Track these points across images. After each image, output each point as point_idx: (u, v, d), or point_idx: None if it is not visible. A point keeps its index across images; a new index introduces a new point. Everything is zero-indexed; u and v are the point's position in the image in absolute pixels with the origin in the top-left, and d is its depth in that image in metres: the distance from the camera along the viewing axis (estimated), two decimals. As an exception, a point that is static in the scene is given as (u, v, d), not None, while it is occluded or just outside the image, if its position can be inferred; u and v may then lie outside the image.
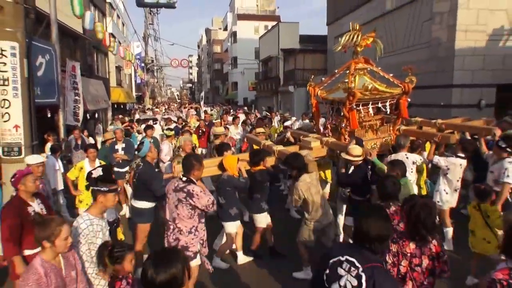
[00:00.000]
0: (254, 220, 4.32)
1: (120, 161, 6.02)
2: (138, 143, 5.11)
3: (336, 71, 5.45)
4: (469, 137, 4.83)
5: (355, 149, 3.99)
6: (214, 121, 10.71)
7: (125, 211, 5.94)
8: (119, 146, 6.18)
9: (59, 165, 5.72)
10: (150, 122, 10.56)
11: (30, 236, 2.75)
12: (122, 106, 22.74)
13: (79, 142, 7.58)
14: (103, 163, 5.02)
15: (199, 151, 8.23)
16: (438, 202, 4.39)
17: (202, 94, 21.83)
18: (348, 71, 5.02)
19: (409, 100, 5.02)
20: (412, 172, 4.33)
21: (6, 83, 3.91)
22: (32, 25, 4.44)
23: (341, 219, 4.69)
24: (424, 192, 4.70)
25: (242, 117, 12.08)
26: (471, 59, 9.25)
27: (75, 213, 5.06)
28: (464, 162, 4.30)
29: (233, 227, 4.09)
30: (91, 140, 9.04)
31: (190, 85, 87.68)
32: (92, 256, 2.40)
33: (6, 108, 3.92)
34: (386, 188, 2.84)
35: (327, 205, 3.87)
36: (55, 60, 7.42)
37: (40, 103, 6.30)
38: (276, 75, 24.67)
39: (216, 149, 5.01)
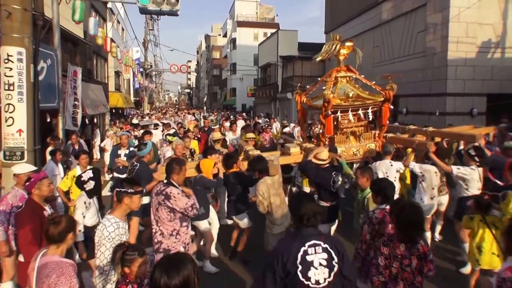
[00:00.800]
0: (236, 222, 4.40)
1: (121, 167, 5.91)
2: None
3: (319, 79, 5.61)
4: (446, 145, 4.93)
5: (322, 153, 4.17)
6: (212, 127, 10.81)
7: None
8: (123, 151, 6.12)
9: (58, 170, 5.52)
10: (152, 128, 10.69)
11: (25, 247, 2.83)
12: (120, 111, 22.79)
13: (76, 147, 7.59)
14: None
15: (198, 156, 8.32)
16: None
17: (205, 99, 21.96)
18: (328, 79, 5.20)
19: (391, 107, 5.13)
20: (395, 180, 4.30)
21: (11, 88, 3.97)
22: (38, 31, 4.53)
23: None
24: None
25: (241, 123, 12.21)
26: (462, 69, 9.64)
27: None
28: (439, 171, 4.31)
29: (204, 224, 4.20)
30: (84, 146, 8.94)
31: (188, 90, 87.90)
32: None
33: (11, 112, 3.97)
34: (386, 190, 2.84)
35: (287, 208, 3.94)
36: (56, 65, 7.52)
37: (40, 107, 6.36)
38: (274, 82, 24.90)
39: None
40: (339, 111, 4.90)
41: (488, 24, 9.65)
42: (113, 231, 2.34)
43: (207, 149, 5.13)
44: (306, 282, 1.90)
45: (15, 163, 3.95)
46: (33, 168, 3.49)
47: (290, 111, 21.73)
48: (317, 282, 1.92)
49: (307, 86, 5.73)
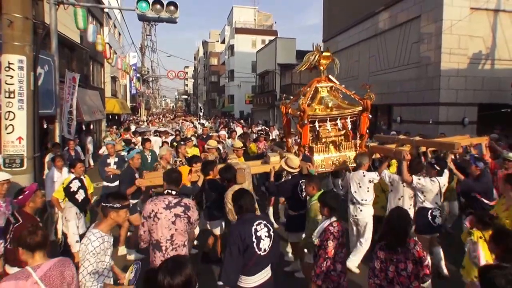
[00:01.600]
0: (210, 227, 4.47)
1: (111, 176, 5.88)
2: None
3: (301, 89, 5.70)
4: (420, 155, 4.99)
5: (292, 161, 4.27)
6: (210, 134, 10.85)
7: None
8: (112, 160, 6.07)
9: (62, 176, 5.32)
10: (151, 134, 10.67)
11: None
12: (116, 117, 22.75)
13: (73, 153, 7.56)
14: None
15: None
16: None
17: (201, 106, 22.02)
18: (308, 89, 5.28)
19: (370, 116, 5.20)
20: (368, 191, 4.30)
21: (12, 95, 3.99)
22: (38, 38, 4.57)
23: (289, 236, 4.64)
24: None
25: (239, 130, 12.30)
26: (455, 80, 9.90)
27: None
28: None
29: None
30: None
31: (186, 96, 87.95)
32: (99, 274, 2.30)
33: (11, 120, 3.98)
34: (330, 202, 2.94)
35: None
36: (53, 70, 7.54)
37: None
38: (272, 89, 25.07)
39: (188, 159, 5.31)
40: (316, 121, 4.98)
41: (479, 37, 9.97)
42: (97, 246, 2.28)
43: (192, 157, 5.23)
44: (258, 252, 2.53)
45: (15, 170, 3.97)
46: (8, 176, 3.46)
47: (287, 118, 21.86)
48: (264, 250, 2.57)
49: (283, 97, 5.83)
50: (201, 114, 20.11)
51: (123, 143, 8.40)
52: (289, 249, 4.65)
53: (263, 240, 2.56)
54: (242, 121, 24.20)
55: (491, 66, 10.17)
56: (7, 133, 4.00)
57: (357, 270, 4.31)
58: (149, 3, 8.12)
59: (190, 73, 72.79)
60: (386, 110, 12.95)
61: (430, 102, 10.20)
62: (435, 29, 9.92)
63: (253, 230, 2.55)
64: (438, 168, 4.13)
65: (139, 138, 9.84)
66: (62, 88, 8.66)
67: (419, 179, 4.06)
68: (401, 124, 11.46)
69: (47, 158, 6.44)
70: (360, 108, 5.07)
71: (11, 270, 2.88)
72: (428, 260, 2.46)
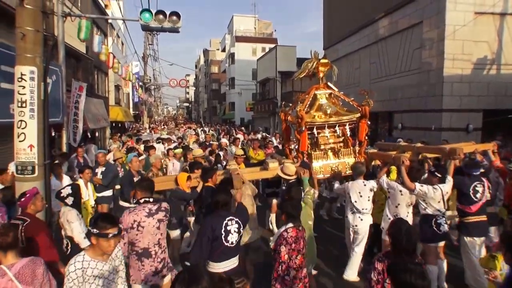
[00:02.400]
0: None
1: (97, 185, 5.88)
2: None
3: (300, 96, 5.76)
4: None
5: (289, 168, 4.30)
6: (211, 142, 10.91)
7: None
8: (99, 169, 6.10)
9: (56, 184, 5.38)
10: (154, 142, 10.77)
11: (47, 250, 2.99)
12: (120, 125, 22.92)
13: (81, 160, 7.66)
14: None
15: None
16: (383, 228, 4.21)
17: (202, 114, 22.09)
18: (307, 96, 5.35)
19: (368, 123, 5.20)
20: (369, 200, 4.27)
21: (24, 105, 4.08)
22: (48, 50, 4.68)
23: None
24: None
25: (240, 137, 12.39)
26: (458, 86, 9.81)
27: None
28: (408, 192, 4.14)
29: (175, 233, 4.55)
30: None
31: (187, 104, 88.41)
32: None
33: (23, 128, 4.06)
34: (287, 209, 3.09)
35: (253, 223, 4.05)
36: (61, 80, 7.69)
37: (47, 122, 6.47)
38: (273, 96, 25.22)
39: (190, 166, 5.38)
40: (315, 128, 5.01)
41: (484, 42, 9.85)
42: (73, 271, 2.18)
43: (193, 163, 5.38)
44: (225, 243, 2.92)
45: (27, 177, 4.07)
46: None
47: (288, 125, 21.95)
48: (232, 243, 2.95)
49: (282, 105, 5.90)
50: (203, 122, 20.20)
51: (124, 151, 8.50)
52: None
53: (232, 234, 2.95)
54: (243, 128, 24.32)
55: (497, 71, 10.03)
56: (20, 141, 4.08)
57: (357, 279, 4.29)
58: (152, 13, 8.29)
59: (192, 81, 73.26)
60: (387, 117, 12.99)
61: (432, 109, 10.17)
62: (438, 34, 9.91)
63: (223, 224, 2.93)
64: (439, 175, 4.08)
65: (142, 146, 9.95)
66: (69, 97, 8.79)
67: (422, 186, 4.01)
68: (403, 130, 11.44)
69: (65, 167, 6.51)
70: (358, 114, 5.10)
71: None
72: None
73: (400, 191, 4.10)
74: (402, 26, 11.66)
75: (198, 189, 4.42)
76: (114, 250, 2.35)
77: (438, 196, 3.98)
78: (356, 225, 4.31)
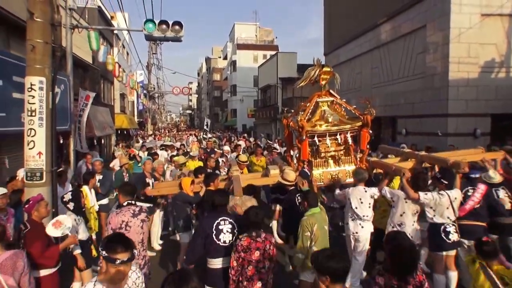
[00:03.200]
0: None
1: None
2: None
3: (302, 103, 5.75)
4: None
5: (288, 174, 4.35)
6: (214, 148, 10.94)
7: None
8: (96, 177, 6.01)
9: (58, 191, 5.53)
10: (158, 149, 10.84)
11: (51, 255, 3.12)
12: (125, 132, 23.13)
13: (90, 167, 7.71)
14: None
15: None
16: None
17: (208, 121, 22.13)
18: (308, 104, 5.35)
19: (370, 132, 5.15)
20: (370, 206, 4.21)
21: (33, 114, 4.18)
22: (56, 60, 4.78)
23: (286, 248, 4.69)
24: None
25: (243, 143, 12.44)
26: (465, 90, 9.52)
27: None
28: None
29: (184, 237, 4.68)
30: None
31: (190, 111, 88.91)
32: None
33: (32, 136, 4.16)
34: (249, 218, 2.96)
35: None
36: (69, 90, 7.82)
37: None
38: (274, 103, 25.31)
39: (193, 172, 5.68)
40: (316, 136, 5.00)
41: (491, 44, 9.54)
42: None
43: (198, 168, 5.76)
44: (217, 242, 3.08)
45: (36, 183, 4.17)
46: (3, 191, 3.88)
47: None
48: (224, 242, 3.09)
49: (285, 111, 5.91)
50: (207, 129, 20.21)
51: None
52: (287, 260, 4.71)
53: (224, 233, 3.10)
54: (245, 134, 24.39)
55: (506, 74, 9.67)
56: (29, 149, 4.18)
57: (360, 287, 4.23)
58: (155, 23, 8.43)
59: (194, 89, 73.79)
60: (390, 122, 12.88)
61: (437, 114, 9.95)
62: (442, 38, 9.71)
63: (215, 224, 3.11)
64: (446, 182, 4.01)
65: (145, 153, 10.03)
66: (76, 106, 8.93)
67: (426, 194, 3.93)
68: (407, 136, 11.28)
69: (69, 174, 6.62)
70: (359, 123, 5.08)
71: (43, 272, 3.14)
72: (427, 285, 2.27)
73: (405, 199, 4.03)
74: (405, 30, 11.54)
75: (201, 193, 4.55)
76: (131, 277, 2.06)
77: (445, 202, 3.86)
78: (356, 232, 4.23)
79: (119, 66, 11.43)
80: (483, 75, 9.60)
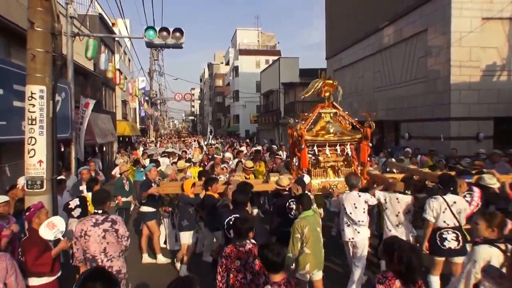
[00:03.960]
0: (206, 234, 5.18)
1: None
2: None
3: (306, 113, 5.92)
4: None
5: (282, 180, 4.56)
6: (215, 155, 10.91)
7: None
8: (84, 187, 5.69)
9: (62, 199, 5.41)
10: (159, 156, 10.84)
11: (44, 262, 3.10)
12: (127, 139, 23.17)
13: (93, 174, 7.71)
14: None
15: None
16: None
17: (212, 128, 22.14)
18: (311, 114, 5.52)
19: (370, 145, 5.26)
20: (364, 212, 4.23)
21: (34, 122, 4.17)
22: (57, 69, 4.81)
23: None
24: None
25: (245, 150, 12.40)
26: (467, 93, 9.56)
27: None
28: (405, 198, 4.20)
29: (185, 237, 4.94)
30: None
31: (192, 117, 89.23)
32: None
33: (33, 145, 4.15)
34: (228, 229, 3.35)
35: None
36: (70, 97, 7.84)
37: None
38: (277, 108, 25.33)
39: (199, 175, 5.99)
40: (315, 146, 5.15)
41: (492, 48, 9.62)
42: None
43: (202, 172, 6.20)
44: (229, 236, 3.34)
45: (36, 191, 4.15)
46: (5, 198, 3.88)
47: (294, 136, 21.92)
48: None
49: (289, 120, 6.02)
50: (211, 135, 20.19)
51: (131, 162, 8.57)
52: None
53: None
54: (247, 140, 24.38)
55: (508, 77, 9.74)
56: (30, 157, 4.17)
57: None
58: (156, 31, 8.47)
59: (196, 95, 74.16)
60: (392, 126, 12.88)
61: (440, 117, 9.96)
62: (444, 42, 9.76)
63: (228, 219, 3.44)
64: (442, 187, 3.94)
65: (147, 160, 10.02)
66: (77, 114, 8.95)
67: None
68: (410, 140, 11.27)
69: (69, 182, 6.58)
70: (359, 135, 5.19)
71: (44, 280, 3.14)
72: None
73: (397, 198, 4.17)
74: (406, 34, 11.60)
75: (201, 196, 4.82)
76: None
77: (439, 206, 3.80)
78: (352, 238, 4.21)
79: (121, 73, 11.48)
80: (485, 78, 9.65)
